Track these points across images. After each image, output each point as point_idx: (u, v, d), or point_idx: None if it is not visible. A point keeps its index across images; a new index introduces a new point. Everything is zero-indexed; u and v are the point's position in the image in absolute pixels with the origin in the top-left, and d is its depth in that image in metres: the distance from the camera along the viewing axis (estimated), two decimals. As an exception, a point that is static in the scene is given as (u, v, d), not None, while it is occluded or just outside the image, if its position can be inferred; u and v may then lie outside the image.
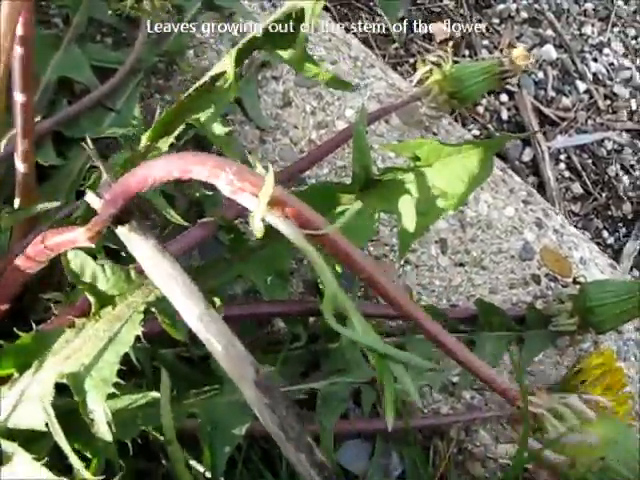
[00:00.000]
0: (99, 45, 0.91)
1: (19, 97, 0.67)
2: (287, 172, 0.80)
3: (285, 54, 0.72)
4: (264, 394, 0.52)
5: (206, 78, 0.73)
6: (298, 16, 0.68)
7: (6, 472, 0.61)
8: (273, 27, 0.69)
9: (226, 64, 0.72)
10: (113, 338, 0.61)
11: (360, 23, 1.40)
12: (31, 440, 0.64)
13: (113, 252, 0.70)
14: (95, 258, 0.61)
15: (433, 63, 0.93)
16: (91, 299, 0.61)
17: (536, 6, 1.50)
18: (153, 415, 0.69)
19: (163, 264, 0.56)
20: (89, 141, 0.62)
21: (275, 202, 0.51)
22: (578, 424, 0.57)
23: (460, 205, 0.76)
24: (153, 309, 0.60)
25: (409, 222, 0.76)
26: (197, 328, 0.53)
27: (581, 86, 1.41)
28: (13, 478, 0.61)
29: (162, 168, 0.54)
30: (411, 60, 1.38)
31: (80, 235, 0.60)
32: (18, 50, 0.64)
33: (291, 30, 0.69)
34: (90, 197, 0.59)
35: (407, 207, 0.76)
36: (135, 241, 0.57)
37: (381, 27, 1.40)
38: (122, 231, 0.58)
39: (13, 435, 0.64)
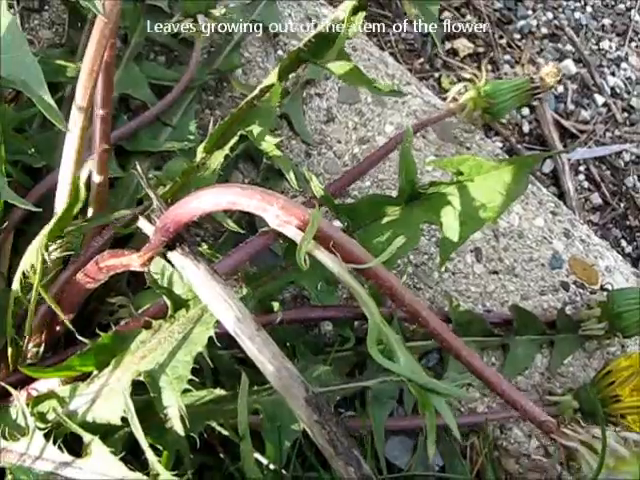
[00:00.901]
0: (154, 63, 0.96)
1: (99, 112, 0.73)
2: (335, 186, 0.86)
3: (337, 69, 0.77)
4: (314, 411, 0.55)
5: (256, 91, 0.79)
6: (339, 29, 0.74)
7: (84, 464, 0.66)
8: (315, 39, 0.75)
9: (273, 77, 0.78)
10: (187, 338, 0.65)
11: (387, 39, 1.45)
12: (105, 435, 0.69)
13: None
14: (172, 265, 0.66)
15: (466, 79, 0.98)
16: (167, 302, 0.66)
17: (555, 22, 1.55)
18: (217, 411, 0.74)
19: (215, 288, 0.60)
20: (139, 168, 0.65)
21: (321, 236, 0.54)
22: (612, 461, 0.56)
23: (498, 217, 0.81)
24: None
25: (451, 232, 0.81)
26: (250, 349, 0.57)
27: (599, 99, 1.46)
28: (91, 470, 0.66)
29: (211, 200, 0.57)
30: (436, 75, 1.44)
31: (134, 260, 0.65)
32: (102, 70, 0.69)
33: (332, 41, 0.75)
34: (142, 223, 0.64)
35: (449, 218, 0.81)
36: (187, 266, 0.62)
37: (407, 42, 1.45)
38: (174, 256, 0.62)
39: (90, 430, 0.69)
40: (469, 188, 0.80)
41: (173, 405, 0.65)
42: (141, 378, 0.66)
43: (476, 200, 0.80)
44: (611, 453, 0.56)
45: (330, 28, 0.73)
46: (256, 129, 0.80)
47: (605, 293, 0.95)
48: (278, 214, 0.54)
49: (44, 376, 0.69)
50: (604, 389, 0.86)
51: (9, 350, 0.77)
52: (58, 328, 0.79)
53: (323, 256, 0.53)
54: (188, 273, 0.61)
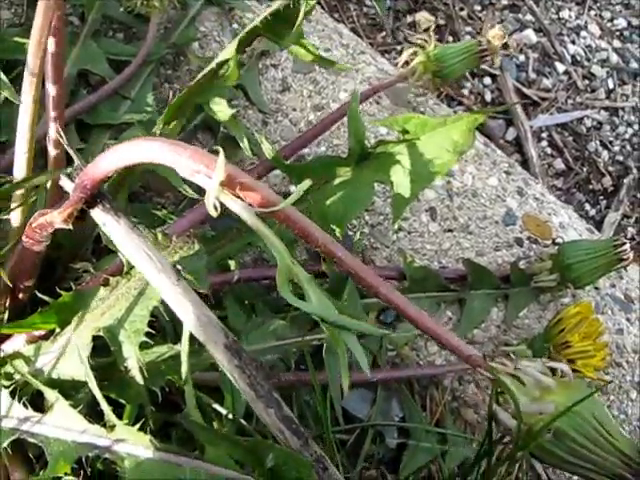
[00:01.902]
0: (112, 40, 0.99)
1: (51, 88, 0.75)
2: (289, 149, 0.88)
3: (285, 42, 0.80)
4: (234, 356, 0.57)
5: (212, 65, 0.81)
6: (294, 6, 0.76)
7: (48, 419, 0.68)
8: (272, 16, 0.77)
9: (229, 51, 0.80)
10: (143, 294, 0.68)
11: (348, 14, 1.48)
12: (70, 391, 0.71)
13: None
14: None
15: (417, 46, 1.01)
16: (123, 259, 0.68)
17: (516, -8, 1.58)
18: (178, 367, 0.77)
19: (135, 241, 0.61)
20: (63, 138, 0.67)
21: (230, 181, 0.53)
22: (537, 391, 0.56)
23: (446, 172, 0.84)
24: (178, 266, 0.67)
25: (402, 190, 0.84)
26: (170, 299, 0.58)
27: (560, 67, 1.49)
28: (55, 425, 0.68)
29: (126, 153, 0.58)
30: (398, 47, 1.47)
31: (55, 217, 0.66)
32: (51, 45, 0.72)
33: (288, 19, 0.78)
34: (64, 181, 0.66)
35: (399, 176, 0.84)
36: (108, 222, 0.63)
37: (369, 17, 1.48)
38: (95, 213, 0.64)
39: (55, 386, 0.72)
40: (416, 146, 0.83)
41: (132, 357, 0.67)
42: (101, 334, 0.68)
43: (423, 157, 0.83)
44: (536, 383, 0.56)
45: (287, 5, 0.75)
46: (213, 100, 0.83)
47: (557, 247, 0.98)
48: (187, 163, 0.54)
49: (8, 331, 0.71)
50: (555, 336, 0.89)
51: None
52: (21, 295, 0.81)
53: (231, 202, 0.53)
54: (109, 228, 0.63)
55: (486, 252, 0.98)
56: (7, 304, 0.81)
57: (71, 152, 0.65)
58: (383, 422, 0.87)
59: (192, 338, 0.77)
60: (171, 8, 0.97)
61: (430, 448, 0.87)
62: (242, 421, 0.74)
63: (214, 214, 0.52)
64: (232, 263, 0.82)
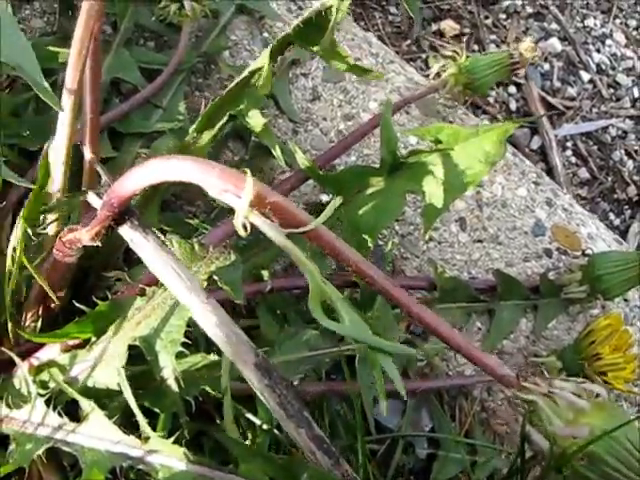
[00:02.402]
0: (143, 48, 1.00)
1: (88, 97, 0.76)
2: (321, 159, 0.89)
3: (317, 50, 0.80)
4: (264, 376, 0.57)
5: (245, 73, 0.82)
6: (326, 14, 0.77)
7: (83, 428, 0.69)
8: (304, 24, 0.78)
9: (263, 60, 0.80)
10: (179, 304, 0.68)
11: (373, 22, 1.48)
12: (105, 400, 0.72)
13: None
14: (164, 233, 0.69)
15: (448, 57, 1.01)
16: (159, 270, 0.68)
17: (541, 1, 1.58)
18: (211, 377, 0.77)
19: (164, 259, 0.61)
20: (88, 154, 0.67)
21: (259, 201, 0.53)
22: (571, 414, 0.55)
23: (478, 182, 0.84)
24: (215, 277, 0.68)
25: (434, 200, 0.84)
26: (199, 317, 0.58)
27: (585, 76, 1.49)
28: (89, 435, 0.69)
29: (153, 171, 0.58)
30: (423, 55, 1.47)
31: (83, 235, 0.67)
32: (90, 55, 0.72)
33: (320, 26, 0.78)
34: (91, 198, 0.67)
35: (431, 186, 0.84)
36: (136, 239, 0.64)
37: (394, 25, 1.48)
38: (124, 230, 0.64)
39: (90, 395, 0.72)
40: (449, 156, 0.83)
41: (168, 367, 0.68)
42: (137, 343, 0.69)
43: (456, 167, 0.83)
44: (570, 405, 0.55)
45: (318, 13, 0.75)
46: (246, 109, 0.83)
47: (586, 258, 0.98)
48: (216, 182, 0.54)
49: (44, 341, 0.72)
50: (586, 348, 0.89)
51: (9, 325, 0.80)
52: (53, 305, 0.82)
53: (260, 221, 0.53)
54: (137, 246, 0.63)
55: (515, 263, 0.98)
56: (40, 313, 0.82)
57: (99, 169, 0.65)
58: (413, 433, 0.87)
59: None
60: (202, 17, 0.97)
61: (460, 459, 0.87)
62: (276, 431, 0.75)
63: (243, 234, 0.52)
64: (265, 273, 0.82)
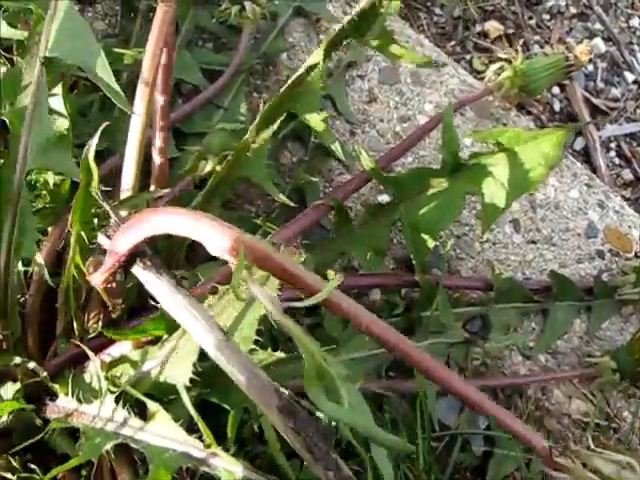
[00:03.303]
0: (204, 50, 1.01)
1: (160, 98, 0.78)
2: (382, 161, 0.90)
3: (374, 42, 0.81)
4: (288, 419, 0.56)
5: (301, 70, 0.83)
6: (378, 6, 0.78)
7: (150, 427, 0.70)
8: (358, 17, 0.79)
9: (318, 55, 0.82)
10: (251, 303, 0.70)
11: (419, 23, 1.49)
12: (176, 396, 0.73)
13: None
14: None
15: (502, 60, 1.02)
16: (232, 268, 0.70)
17: (584, 1, 1.58)
18: (276, 373, 0.79)
19: (180, 299, 0.62)
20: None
21: (262, 262, 0.55)
22: None
23: (538, 185, 0.86)
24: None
25: (493, 201, 0.85)
26: (219, 359, 0.57)
27: (629, 77, 1.49)
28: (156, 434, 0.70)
29: (164, 223, 0.59)
30: (467, 56, 1.48)
31: (97, 279, 0.69)
32: (163, 57, 0.74)
33: (373, 19, 0.79)
34: (101, 239, 0.68)
35: (490, 188, 0.86)
36: (150, 280, 0.65)
37: (439, 26, 1.49)
38: (136, 271, 0.65)
39: (160, 390, 0.74)
40: (509, 158, 0.84)
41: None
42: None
43: (517, 169, 0.85)
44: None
45: (371, 6, 0.77)
46: (303, 107, 0.84)
47: (639, 260, 0.99)
48: (217, 241, 0.56)
49: (121, 338, 0.74)
50: (638, 353, 0.90)
51: (75, 325, 0.82)
52: (113, 311, 0.84)
53: (258, 292, 0.53)
54: (152, 287, 0.65)
55: (569, 264, 1.00)
56: (102, 315, 0.84)
57: (108, 208, 0.66)
58: (470, 430, 0.88)
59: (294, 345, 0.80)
60: (261, 18, 0.99)
61: (515, 457, 0.88)
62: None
63: (241, 299, 0.55)
64: (332, 273, 0.83)
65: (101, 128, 0.68)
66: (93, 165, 0.67)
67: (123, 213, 0.80)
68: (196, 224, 0.56)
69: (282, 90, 0.83)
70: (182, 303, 0.62)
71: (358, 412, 0.51)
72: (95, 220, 0.76)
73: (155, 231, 0.59)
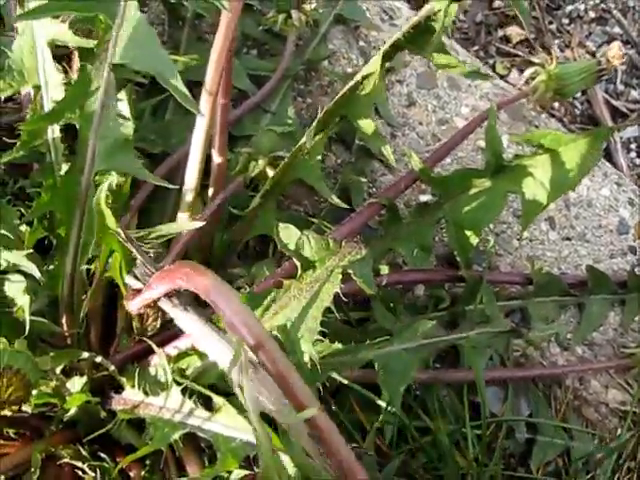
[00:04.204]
0: (250, 56, 1.06)
1: (221, 100, 0.82)
2: (429, 161, 0.94)
3: (427, 51, 0.85)
4: (319, 445, 0.59)
5: (357, 78, 0.86)
6: (432, 18, 0.82)
7: (217, 417, 0.74)
8: (413, 29, 0.83)
9: (375, 64, 0.85)
10: (315, 296, 0.73)
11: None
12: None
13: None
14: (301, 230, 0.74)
15: (536, 64, 1.06)
16: (297, 263, 0.74)
17: (603, 5, 1.62)
18: (333, 364, 0.82)
19: (209, 334, 0.68)
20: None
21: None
22: None
23: (577, 185, 0.90)
24: (350, 271, 0.72)
25: (534, 200, 0.90)
26: (249, 389, 0.58)
27: (648, 79, 1.53)
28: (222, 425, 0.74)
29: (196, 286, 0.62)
30: (490, 61, 1.52)
31: (133, 307, 0.73)
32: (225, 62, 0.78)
33: (428, 30, 0.83)
34: (129, 280, 0.72)
35: (531, 188, 0.90)
36: (179, 316, 0.69)
37: (462, 31, 1.53)
38: (166, 307, 0.70)
39: (223, 386, 0.78)
40: (551, 159, 0.89)
41: (306, 355, 0.72)
42: (275, 333, 0.74)
43: (557, 170, 0.89)
44: None
45: (427, 18, 0.81)
46: (356, 112, 0.88)
47: (671, 255, 1.03)
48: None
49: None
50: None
51: (134, 323, 0.85)
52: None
53: (246, 386, 0.56)
54: (181, 323, 0.69)
55: (602, 259, 1.04)
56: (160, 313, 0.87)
57: (134, 251, 0.70)
58: (515, 417, 0.92)
59: (347, 337, 0.84)
60: (305, 26, 1.03)
61: (557, 444, 0.92)
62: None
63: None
64: (385, 268, 0.88)
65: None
66: (106, 210, 0.72)
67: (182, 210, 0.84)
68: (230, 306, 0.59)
69: (337, 97, 0.86)
70: (211, 336, 0.68)
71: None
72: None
73: (187, 287, 0.63)
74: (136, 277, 0.71)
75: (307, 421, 0.58)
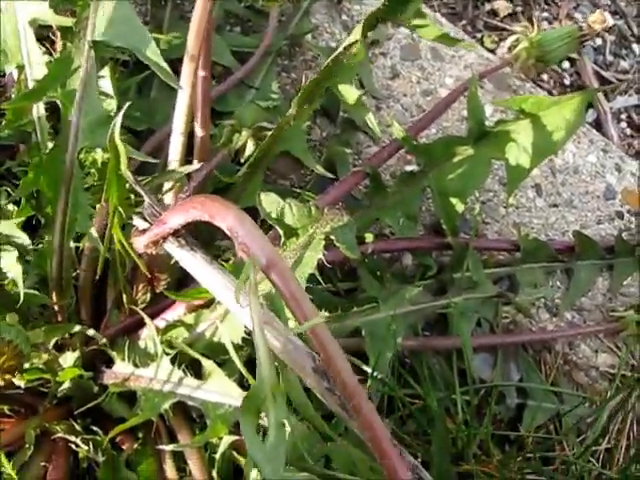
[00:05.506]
0: (233, 33, 1.06)
1: (201, 73, 0.82)
2: (412, 130, 0.94)
3: (404, 18, 0.85)
4: (322, 379, 0.61)
5: (340, 49, 0.86)
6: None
7: (207, 385, 0.75)
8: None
9: (356, 35, 0.85)
10: (299, 262, 0.74)
11: (430, 3, 1.53)
12: (225, 361, 0.78)
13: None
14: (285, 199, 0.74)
15: (517, 32, 1.06)
16: (280, 231, 0.74)
17: (590, -23, 1.61)
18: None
19: (215, 275, 0.67)
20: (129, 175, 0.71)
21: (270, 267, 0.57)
22: None
23: (560, 149, 0.90)
24: (332, 237, 0.73)
25: (517, 165, 0.90)
26: (254, 327, 0.57)
27: (637, 49, 1.53)
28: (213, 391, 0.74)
29: (192, 212, 0.63)
30: (478, 35, 1.52)
31: (140, 243, 0.72)
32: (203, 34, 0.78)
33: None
34: (137, 221, 0.72)
35: (514, 153, 0.90)
36: (184, 257, 0.69)
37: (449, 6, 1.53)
38: (170, 248, 0.69)
39: (214, 350, 0.78)
40: (533, 124, 0.89)
41: (291, 321, 0.73)
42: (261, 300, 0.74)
43: (539, 134, 0.89)
44: None
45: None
46: (338, 82, 0.88)
47: (658, 219, 1.03)
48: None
49: (178, 298, 0.78)
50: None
51: (124, 297, 0.86)
52: (160, 286, 0.88)
53: (255, 306, 0.55)
54: (186, 263, 0.69)
55: (589, 225, 1.04)
56: (149, 290, 0.88)
57: (141, 192, 0.70)
58: (505, 383, 0.93)
59: (334, 306, 0.84)
60: (287, 1, 1.03)
61: (548, 408, 0.93)
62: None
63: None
64: (370, 236, 0.88)
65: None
66: (120, 145, 0.70)
67: (167, 185, 0.85)
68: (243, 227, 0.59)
69: (322, 68, 0.86)
70: (217, 277, 0.67)
71: (273, 455, 0.51)
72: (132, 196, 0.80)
73: (203, 218, 0.62)
74: (144, 218, 0.71)
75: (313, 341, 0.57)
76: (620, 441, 0.93)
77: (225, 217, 0.60)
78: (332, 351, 0.56)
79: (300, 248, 0.74)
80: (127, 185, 0.72)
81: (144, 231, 0.72)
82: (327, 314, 0.80)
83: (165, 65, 0.78)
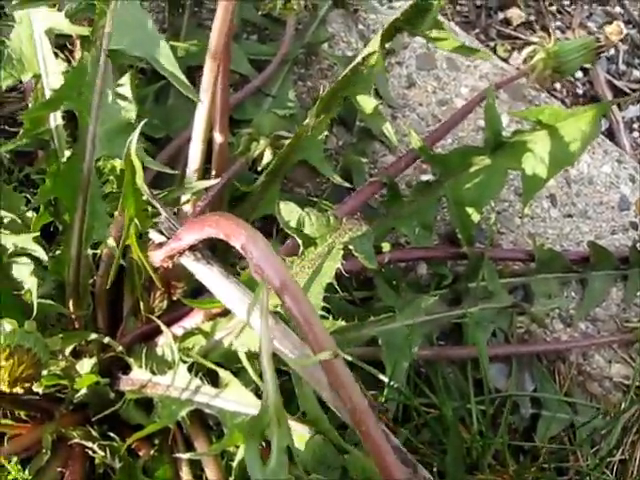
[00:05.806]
0: (250, 41, 1.06)
1: (220, 81, 0.82)
2: (429, 140, 0.95)
3: (422, 29, 0.85)
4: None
5: (358, 59, 0.87)
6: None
7: (223, 394, 0.75)
8: (411, 9, 0.83)
9: (374, 44, 0.86)
10: (317, 272, 0.74)
11: (442, 12, 1.54)
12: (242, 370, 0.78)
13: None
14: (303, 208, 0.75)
15: (534, 43, 1.07)
16: (299, 240, 0.74)
17: (603, -15, 1.62)
18: (339, 341, 0.83)
19: (231, 289, 0.67)
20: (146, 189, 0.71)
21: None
22: None
23: (576, 160, 0.91)
24: (351, 247, 0.73)
25: (534, 176, 0.90)
26: (269, 339, 0.58)
27: (650, 59, 1.53)
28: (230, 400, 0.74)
29: (207, 230, 0.64)
30: (491, 44, 1.52)
31: (157, 257, 0.73)
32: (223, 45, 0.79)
33: (425, 10, 0.83)
34: (153, 234, 0.72)
35: (531, 163, 0.91)
36: (201, 270, 0.70)
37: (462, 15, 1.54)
38: (187, 262, 0.70)
39: (231, 359, 0.79)
40: (549, 135, 0.89)
41: None
42: (279, 309, 0.74)
43: (556, 145, 0.89)
44: None
45: (424, -1, 0.81)
46: (356, 92, 0.88)
47: (672, 230, 1.03)
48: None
49: (196, 305, 0.78)
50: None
51: (140, 304, 0.87)
52: (176, 293, 0.89)
53: (264, 332, 0.56)
54: (202, 276, 0.70)
55: (604, 236, 1.04)
56: (167, 295, 0.89)
57: (157, 206, 0.71)
58: (520, 393, 0.93)
59: (351, 315, 0.85)
60: (304, 10, 1.04)
61: (562, 419, 0.93)
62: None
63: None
64: (387, 245, 0.89)
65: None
66: (135, 160, 0.70)
67: (184, 197, 0.86)
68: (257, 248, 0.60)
69: (339, 78, 0.86)
70: (234, 292, 0.68)
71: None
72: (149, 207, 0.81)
73: (217, 236, 0.63)
74: (160, 232, 0.72)
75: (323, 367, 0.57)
76: (634, 453, 0.93)
77: (239, 237, 0.60)
78: (344, 380, 0.56)
79: (318, 257, 0.74)
80: (144, 197, 0.72)
81: (160, 245, 0.73)
82: (344, 323, 0.80)
83: (181, 75, 0.78)
